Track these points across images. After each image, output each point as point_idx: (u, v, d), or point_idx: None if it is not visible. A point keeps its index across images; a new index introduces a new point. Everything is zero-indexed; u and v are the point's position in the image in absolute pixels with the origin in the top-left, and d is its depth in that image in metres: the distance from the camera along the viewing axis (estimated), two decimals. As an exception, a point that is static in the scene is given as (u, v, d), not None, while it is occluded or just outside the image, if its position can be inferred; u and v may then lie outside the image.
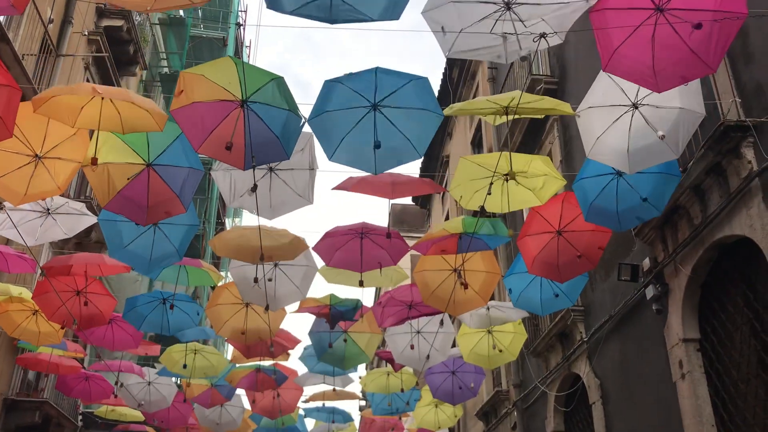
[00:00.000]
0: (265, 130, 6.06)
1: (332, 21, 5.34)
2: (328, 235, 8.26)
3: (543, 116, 7.01)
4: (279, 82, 5.71)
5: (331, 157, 6.45)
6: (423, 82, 5.98)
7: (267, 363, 11.89)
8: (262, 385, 12.17)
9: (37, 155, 6.22)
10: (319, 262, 8.94)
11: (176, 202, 6.73)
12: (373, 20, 5.35)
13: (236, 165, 6.28)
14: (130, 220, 6.94)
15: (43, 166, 6.26)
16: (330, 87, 5.95)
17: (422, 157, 6.71)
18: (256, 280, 8.23)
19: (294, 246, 8.22)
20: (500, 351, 10.29)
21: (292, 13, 5.28)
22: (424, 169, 22.98)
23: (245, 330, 9.80)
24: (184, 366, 11.20)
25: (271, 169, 7.09)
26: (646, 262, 9.04)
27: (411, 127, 6.31)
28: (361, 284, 8.77)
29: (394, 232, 8.10)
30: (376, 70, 5.86)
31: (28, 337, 10.00)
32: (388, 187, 7.42)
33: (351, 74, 5.91)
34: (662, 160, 6.42)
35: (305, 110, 6.10)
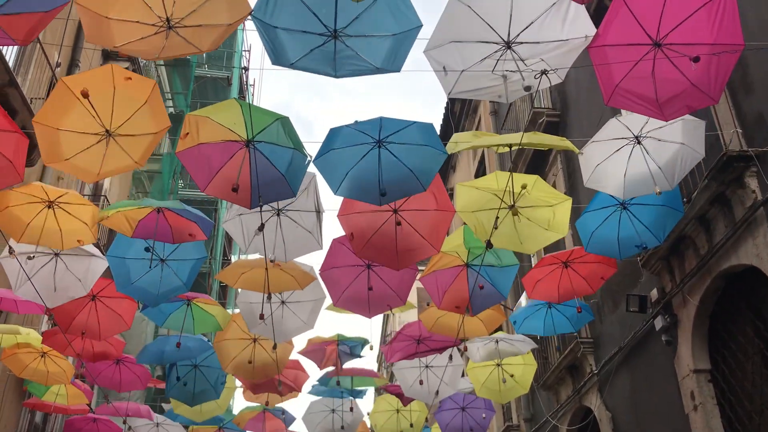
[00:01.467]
0: (270, 169, 6.11)
1: (336, 74, 5.41)
2: (334, 263, 8.15)
3: (548, 149, 7.01)
4: (284, 121, 5.77)
5: (336, 191, 6.48)
6: (427, 125, 6.05)
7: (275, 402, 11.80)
8: (272, 428, 12.10)
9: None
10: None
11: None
12: (375, 69, 5.41)
13: (242, 204, 6.32)
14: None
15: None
16: (335, 131, 6.02)
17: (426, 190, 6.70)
18: (262, 316, 8.20)
19: (302, 279, 8.20)
20: (512, 377, 10.19)
21: (296, 65, 5.32)
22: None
23: (252, 360, 9.74)
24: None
25: (279, 212, 7.11)
26: (654, 293, 9.02)
27: (415, 162, 6.35)
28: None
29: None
30: (381, 119, 5.95)
31: (37, 377, 9.96)
32: (393, 256, 7.38)
33: (356, 122, 5.99)
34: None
35: (309, 149, 6.14)
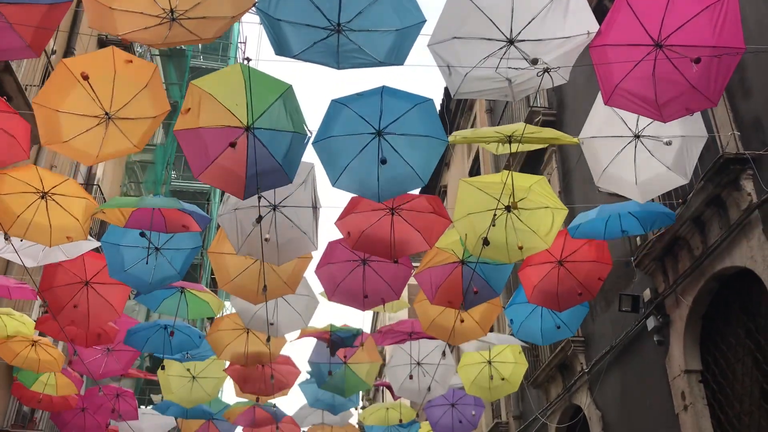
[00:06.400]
0: (268, 158, 6.04)
1: (338, 66, 5.39)
2: (329, 259, 8.16)
3: (546, 146, 6.99)
4: (286, 97, 5.66)
5: (334, 183, 6.46)
6: (428, 105, 6.01)
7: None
8: (261, 422, 12.07)
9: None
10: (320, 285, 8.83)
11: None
12: (378, 62, 5.40)
13: (236, 194, 6.26)
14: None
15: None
16: (337, 109, 5.97)
17: (425, 185, 6.69)
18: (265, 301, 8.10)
19: (296, 273, 8.13)
20: (502, 379, 10.21)
21: (299, 56, 5.31)
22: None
23: (246, 352, 9.75)
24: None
25: (275, 208, 7.06)
26: (647, 293, 9.06)
27: (415, 155, 6.34)
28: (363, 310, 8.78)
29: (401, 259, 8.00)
30: (383, 91, 5.90)
31: (29, 365, 9.92)
32: (387, 248, 7.37)
33: (358, 95, 5.93)
34: (672, 186, 6.52)
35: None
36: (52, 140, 5.77)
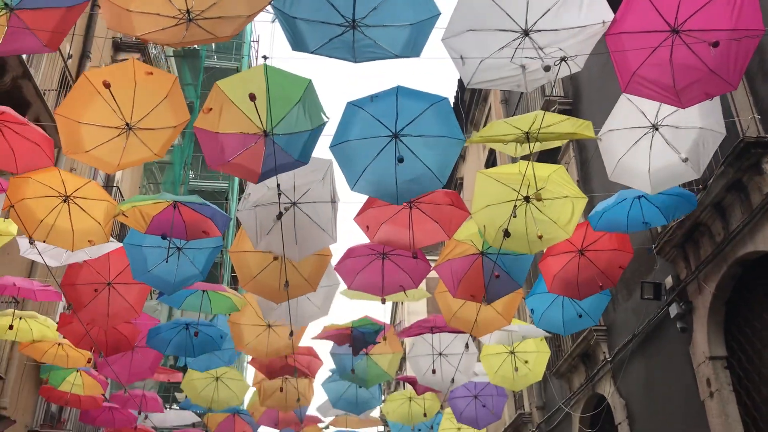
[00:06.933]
0: (284, 156, 6.09)
1: (355, 60, 5.42)
2: (349, 255, 8.23)
3: (566, 141, 6.95)
4: (304, 97, 5.68)
5: (353, 187, 6.50)
6: (443, 105, 6.02)
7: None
8: (285, 421, 12.20)
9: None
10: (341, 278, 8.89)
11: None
12: (394, 56, 5.42)
13: (251, 179, 6.30)
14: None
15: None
16: (352, 112, 6.00)
17: (443, 185, 6.71)
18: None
19: (317, 268, 8.19)
20: (525, 363, 10.20)
21: (315, 52, 5.34)
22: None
23: (267, 350, 9.85)
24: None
25: (294, 204, 7.11)
26: (669, 280, 9.01)
27: (432, 156, 6.35)
28: (383, 302, 8.81)
29: (419, 253, 8.04)
30: (398, 92, 5.91)
31: (58, 361, 10.14)
32: (406, 240, 7.39)
33: (373, 97, 5.95)
34: (684, 179, 6.46)
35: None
36: (74, 150, 5.89)
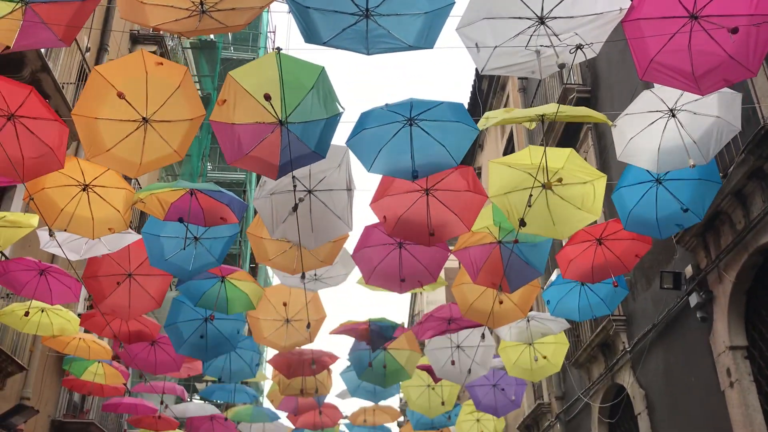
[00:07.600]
0: (301, 146, 6.10)
1: (368, 52, 5.40)
2: (365, 242, 8.20)
3: (579, 121, 6.92)
4: (319, 81, 5.66)
5: (369, 169, 6.51)
6: (457, 105, 6.07)
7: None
8: (304, 407, 12.30)
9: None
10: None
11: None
12: (407, 47, 5.39)
13: (269, 176, 6.34)
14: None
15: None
16: (366, 114, 6.06)
17: (458, 165, 6.68)
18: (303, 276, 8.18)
19: (333, 252, 8.20)
20: (544, 357, 10.15)
21: (328, 43, 5.32)
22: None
23: (285, 344, 9.93)
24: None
25: (310, 192, 7.12)
26: (689, 270, 8.91)
27: (447, 137, 6.38)
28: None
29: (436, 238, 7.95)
30: (411, 101, 5.96)
31: (80, 352, 10.28)
32: (425, 233, 7.35)
33: (386, 105, 6.02)
34: (690, 163, 6.40)
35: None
36: (96, 152, 5.91)
